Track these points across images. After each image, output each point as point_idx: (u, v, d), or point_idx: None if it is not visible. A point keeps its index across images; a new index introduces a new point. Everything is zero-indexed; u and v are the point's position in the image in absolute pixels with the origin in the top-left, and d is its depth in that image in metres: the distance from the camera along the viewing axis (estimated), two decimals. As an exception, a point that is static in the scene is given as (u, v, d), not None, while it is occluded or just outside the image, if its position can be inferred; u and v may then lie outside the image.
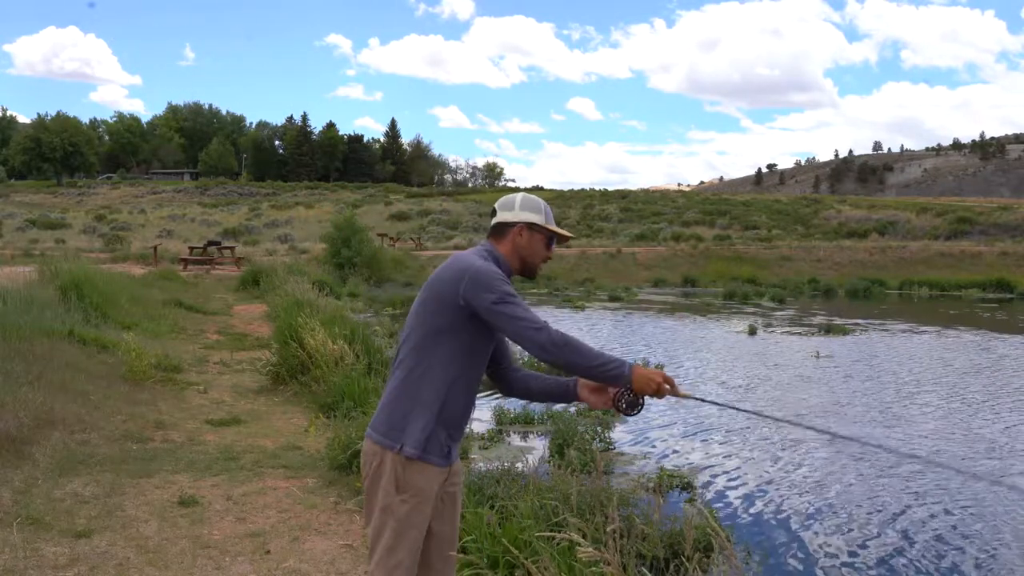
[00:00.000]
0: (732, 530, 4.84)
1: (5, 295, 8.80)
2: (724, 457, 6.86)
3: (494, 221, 2.50)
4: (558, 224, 2.53)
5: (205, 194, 69.04)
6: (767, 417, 4.80)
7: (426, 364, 2.34)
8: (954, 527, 5.24)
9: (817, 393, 9.83)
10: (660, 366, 10.90)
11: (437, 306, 2.34)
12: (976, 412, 8.81)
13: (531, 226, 2.46)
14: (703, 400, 2.86)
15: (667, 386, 2.31)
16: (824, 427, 6.75)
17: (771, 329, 16.76)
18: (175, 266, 22.42)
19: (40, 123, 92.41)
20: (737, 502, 5.70)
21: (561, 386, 2.52)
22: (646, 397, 2.32)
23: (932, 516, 5.44)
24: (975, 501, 5.76)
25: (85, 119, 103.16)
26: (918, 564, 4.66)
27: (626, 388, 2.29)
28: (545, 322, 2.26)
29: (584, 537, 2.68)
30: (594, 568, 2.94)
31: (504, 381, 2.62)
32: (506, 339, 2.53)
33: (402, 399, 2.36)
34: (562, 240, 2.54)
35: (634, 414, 2.37)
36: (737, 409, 4.03)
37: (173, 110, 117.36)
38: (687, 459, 6.75)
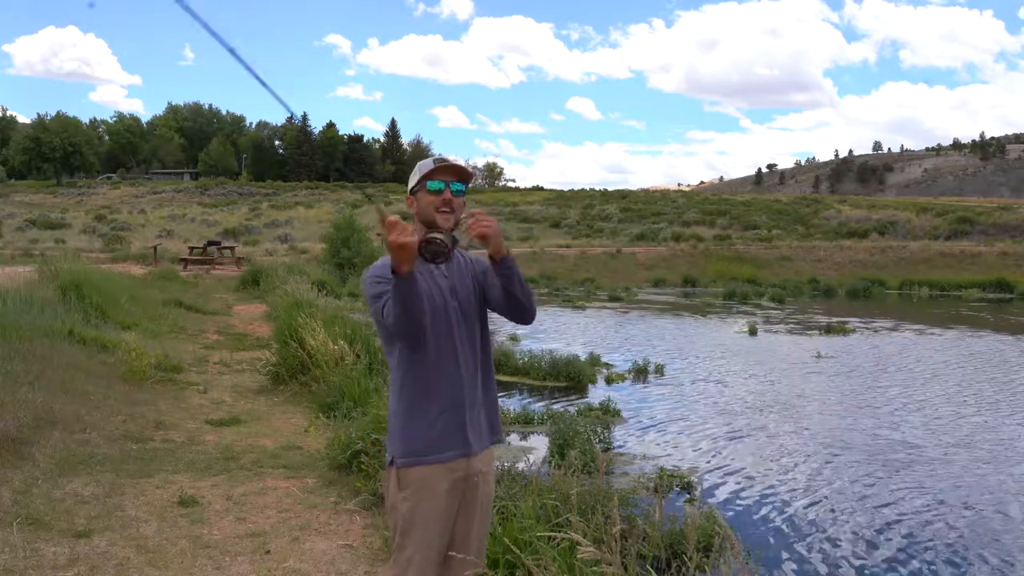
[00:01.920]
0: (731, 530, 4.84)
1: (5, 295, 8.80)
2: (722, 457, 6.86)
3: None
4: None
5: (205, 194, 68.96)
6: None
7: (392, 366, 2.37)
8: (955, 525, 5.24)
9: (815, 392, 9.84)
10: (660, 366, 10.92)
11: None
12: (956, 407, 8.84)
13: (412, 190, 2.35)
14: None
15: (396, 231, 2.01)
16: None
17: (771, 329, 16.76)
18: (175, 266, 22.42)
19: (40, 123, 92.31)
20: (736, 502, 5.70)
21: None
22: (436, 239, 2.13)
23: (931, 514, 5.45)
24: (976, 500, 5.76)
25: (85, 119, 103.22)
26: (915, 562, 4.66)
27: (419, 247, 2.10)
28: (384, 306, 2.15)
29: (585, 537, 2.68)
30: (595, 568, 2.93)
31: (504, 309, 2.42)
32: (490, 282, 2.38)
33: (390, 407, 2.40)
34: (460, 178, 2.30)
35: (438, 261, 2.17)
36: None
37: (173, 110, 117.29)
38: (686, 459, 6.75)
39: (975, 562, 4.70)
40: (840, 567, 4.59)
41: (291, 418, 6.92)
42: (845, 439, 7.52)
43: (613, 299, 23.35)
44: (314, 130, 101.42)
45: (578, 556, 2.40)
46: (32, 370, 6.36)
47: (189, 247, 27.24)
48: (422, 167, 2.33)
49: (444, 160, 2.32)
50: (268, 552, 3.92)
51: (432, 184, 2.29)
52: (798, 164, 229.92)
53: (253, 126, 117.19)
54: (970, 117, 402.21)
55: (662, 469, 6.12)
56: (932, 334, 16.42)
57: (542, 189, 79.38)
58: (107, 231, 41.09)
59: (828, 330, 16.27)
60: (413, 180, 2.35)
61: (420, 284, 2.13)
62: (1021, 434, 7.89)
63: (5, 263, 19.18)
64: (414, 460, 2.29)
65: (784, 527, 5.21)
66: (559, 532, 3.10)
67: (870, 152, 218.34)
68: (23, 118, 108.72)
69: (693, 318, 19.17)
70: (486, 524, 2.47)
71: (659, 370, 10.79)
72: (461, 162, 2.33)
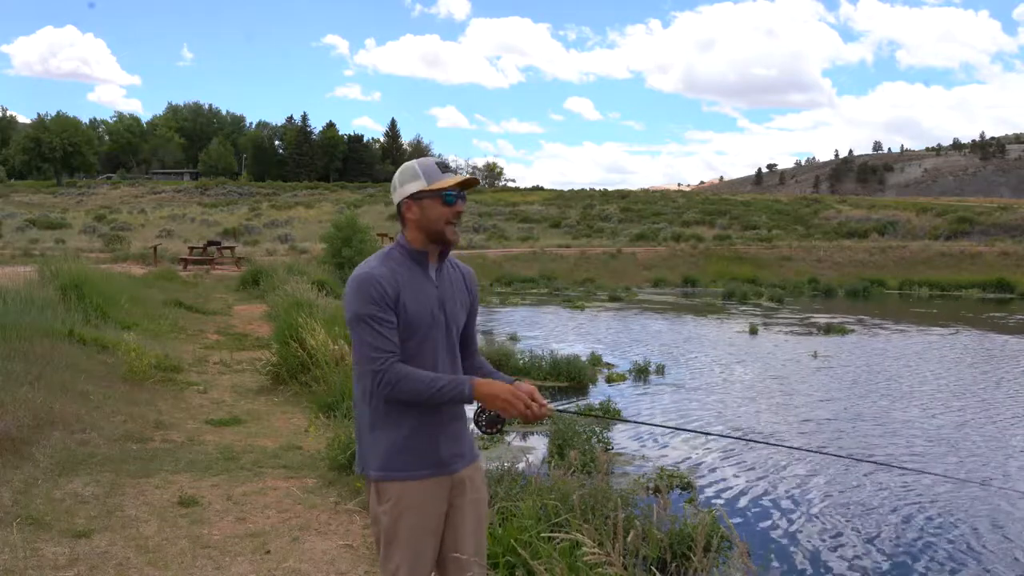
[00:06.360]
0: (732, 530, 4.84)
1: (5, 295, 8.79)
2: (721, 457, 6.86)
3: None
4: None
5: (205, 194, 68.91)
6: (685, 430, 4.86)
7: (361, 380, 2.23)
8: (955, 524, 5.25)
9: (813, 391, 9.84)
10: (661, 366, 10.91)
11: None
12: (939, 408, 8.85)
13: (416, 196, 2.21)
14: (574, 413, 2.75)
15: (525, 401, 2.12)
16: (780, 440, 6.68)
17: (770, 329, 16.77)
18: (175, 266, 22.41)
19: (40, 123, 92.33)
20: (735, 501, 5.71)
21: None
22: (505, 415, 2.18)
23: (931, 513, 5.45)
24: (976, 500, 5.76)
25: (85, 119, 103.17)
26: (915, 560, 4.66)
27: (481, 408, 2.19)
28: (391, 355, 2.12)
29: (586, 538, 2.67)
30: (598, 569, 2.93)
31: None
32: (472, 325, 2.39)
33: (357, 421, 2.28)
34: (467, 186, 2.23)
35: (493, 432, 2.22)
36: (644, 424, 3.78)
37: (173, 110, 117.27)
38: (685, 459, 6.75)
39: (975, 562, 4.70)
40: (839, 567, 4.59)
41: (291, 418, 6.92)
42: (843, 438, 7.52)
43: (613, 299, 23.35)
44: (314, 130, 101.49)
45: (583, 558, 2.39)
46: (32, 370, 6.36)
47: (189, 247, 27.23)
48: (428, 173, 2.20)
49: (448, 167, 2.24)
50: (268, 552, 3.92)
51: (450, 196, 2.19)
52: (798, 164, 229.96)
53: (253, 126, 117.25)
54: (968, 117, 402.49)
55: (662, 469, 6.12)
56: (931, 334, 16.43)
57: (542, 189, 79.42)
58: (107, 231, 41.07)
59: (827, 330, 16.28)
60: (415, 186, 2.20)
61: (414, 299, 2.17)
62: (1019, 434, 7.89)
63: (5, 263, 19.19)
64: (389, 475, 2.20)
65: (782, 527, 5.21)
66: (560, 533, 3.10)
67: (870, 152, 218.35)
68: (23, 118, 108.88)
69: (693, 318, 19.16)
70: (481, 528, 2.38)
71: (659, 370, 10.79)
72: (471, 174, 2.28)
